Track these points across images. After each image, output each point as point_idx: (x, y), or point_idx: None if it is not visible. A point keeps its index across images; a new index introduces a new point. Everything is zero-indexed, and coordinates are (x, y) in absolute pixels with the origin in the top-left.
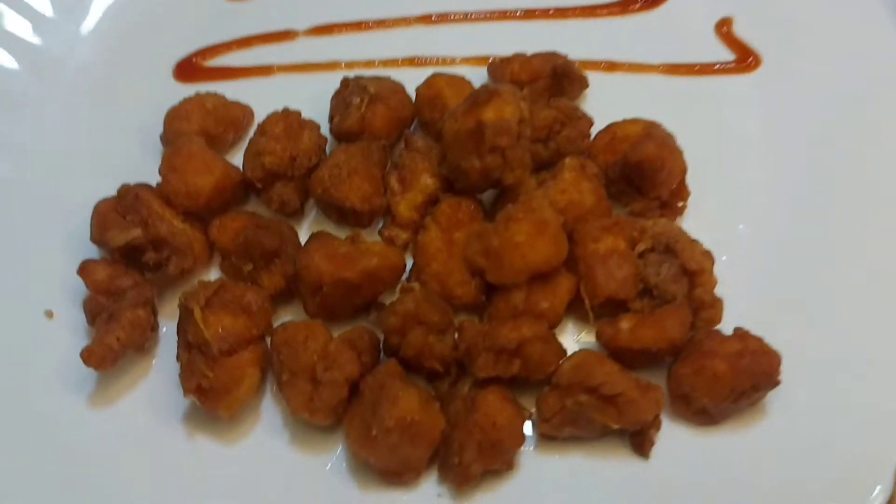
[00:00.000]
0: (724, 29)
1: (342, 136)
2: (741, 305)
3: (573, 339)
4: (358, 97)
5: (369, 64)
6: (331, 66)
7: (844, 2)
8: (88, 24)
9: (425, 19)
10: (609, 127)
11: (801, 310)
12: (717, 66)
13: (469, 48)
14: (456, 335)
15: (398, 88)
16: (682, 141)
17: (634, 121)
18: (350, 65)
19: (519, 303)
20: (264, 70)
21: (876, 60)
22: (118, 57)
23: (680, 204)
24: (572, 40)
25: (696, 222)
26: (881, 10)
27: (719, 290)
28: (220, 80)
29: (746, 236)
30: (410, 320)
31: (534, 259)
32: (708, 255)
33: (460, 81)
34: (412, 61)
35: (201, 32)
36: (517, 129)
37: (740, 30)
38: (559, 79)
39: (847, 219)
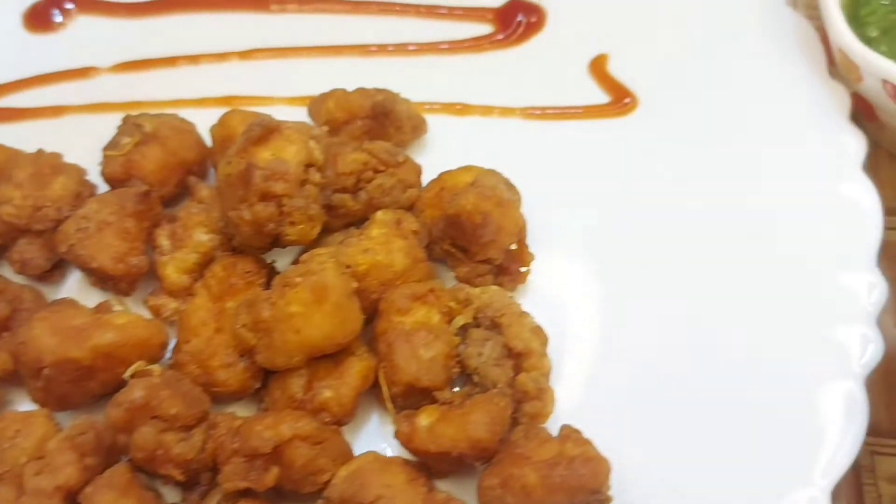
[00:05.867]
0: (598, 68)
1: (108, 183)
2: (583, 399)
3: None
4: (128, 136)
5: (176, 103)
6: (131, 105)
7: (730, 38)
8: None
9: (245, 55)
10: (440, 176)
11: (657, 407)
12: (585, 109)
13: (293, 87)
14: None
15: (186, 128)
16: (539, 193)
17: (468, 168)
18: (155, 104)
19: (297, 391)
20: (54, 111)
21: (759, 101)
22: None
23: (523, 269)
24: (417, 80)
25: (541, 293)
26: (765, 46)
27: (556, 378)
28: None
29: (597, 311)
30: (140, 414)
31: (310, 335)
32: (538, 332)
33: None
34: (226, 101)
35: None
36: (300, 175)
37: (617, 69)
38: (380, 118)
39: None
